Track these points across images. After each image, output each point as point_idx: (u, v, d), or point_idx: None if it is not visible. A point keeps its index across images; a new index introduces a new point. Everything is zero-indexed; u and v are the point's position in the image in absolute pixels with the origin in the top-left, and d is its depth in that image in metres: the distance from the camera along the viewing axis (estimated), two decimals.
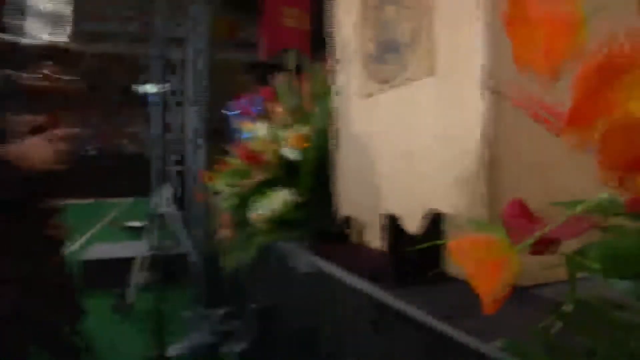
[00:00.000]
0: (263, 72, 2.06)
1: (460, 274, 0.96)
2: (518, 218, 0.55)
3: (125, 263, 3.52)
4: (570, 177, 0.91)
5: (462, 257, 0.42)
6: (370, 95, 1.30)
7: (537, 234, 0.45)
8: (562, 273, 0.87)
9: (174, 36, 4.73)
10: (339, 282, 1.10)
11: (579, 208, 0.50)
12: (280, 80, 2.09)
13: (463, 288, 0.93)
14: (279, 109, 2.08)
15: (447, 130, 1.00)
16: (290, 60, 2.05)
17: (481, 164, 0.90)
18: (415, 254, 0.94)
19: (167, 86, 4.97)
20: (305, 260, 1.34)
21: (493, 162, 0.89)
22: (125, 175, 10.22)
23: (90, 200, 9.84)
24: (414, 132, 1.11)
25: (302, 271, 1.34)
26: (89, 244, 5.61)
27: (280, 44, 3.67)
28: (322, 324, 1.22)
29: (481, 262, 0.40)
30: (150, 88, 5.52)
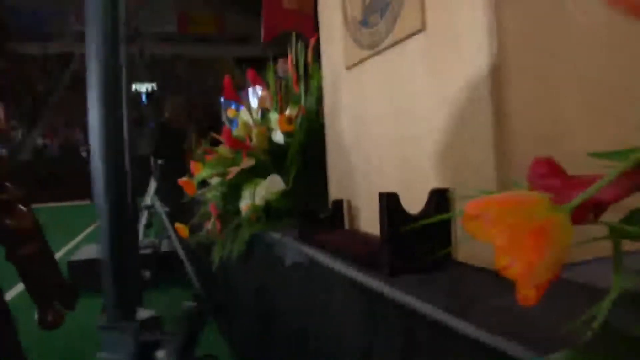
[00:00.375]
0: (253, 67, 1.94)
1: (471, 258, 0.84)
2: (549, 178, 0.43)
3: None
4: (586, 141, 0.79)
5: (485, 225, 0.29)
6: (357, 64, 1.17)
7: (584, 193, 0.33)
8: (592, 249, 0.75)
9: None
10: (329, 271, 0.98)
11: (632, 158, 0.37)
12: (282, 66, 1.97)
13: (473, 275, 0.82)
14: (264, 93, 1.96)
15: (445, 93, 0.87)
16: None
17: (487, 127, 0.77)
18: (417, 237, 0.82)
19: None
20: (293, 248, 1.21)
21: (500, 124, 0.76)
22: None
23: (87, 202, 9.80)
24: (409, 99, 0.98)
25: (290, 261, 1.22)
26: (84, 244, 5.54)
27: (279, 27, 3.53)
28: (312, 318, 1.10)
29: (515, 230, 0.28)
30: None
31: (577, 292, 0.66)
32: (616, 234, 0.44)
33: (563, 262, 0.29)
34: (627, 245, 0.49)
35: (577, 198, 0.31)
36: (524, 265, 0.27)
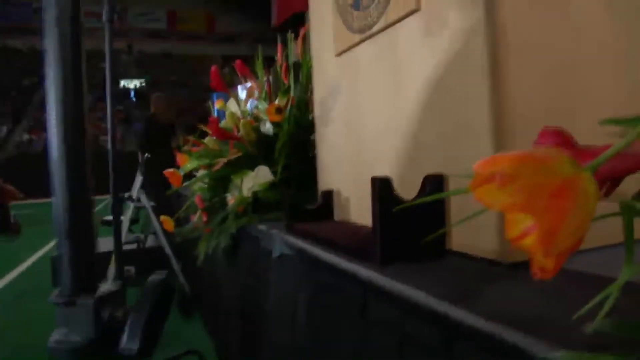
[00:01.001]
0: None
1: (466, 247, 0.81)
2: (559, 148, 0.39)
3: (102, 258, 3.35)
4: (593, 119, 0.75)
5: (499, 184, 0.26)
6: (348, 49, 1.13)
7: (606, 153, 0.29)
8: (597, 236, 0.71)
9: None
10: (318, 262, 0.94)
11: None
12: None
13: (468, 264, 0.78)
14: (253, 83, 1.92)
15: (441, 76, 0.84)
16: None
17: (485, 114, 0.74)
18: (410, 225, 0.79)
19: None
20: (280, 239, 1.17)
21: (499, 108, 0.73)
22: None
23: None
24: (403, 83, 0.95)
25: (277, 253, 1.18)
26: None
27: (290, 9, 3.48)
28: (301, 311, 1.06)
29: (535, 188, 0.24)
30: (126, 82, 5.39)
31: (580, 281, 0.62)
32: (629, 212, 0.40)
33: (587, 229, 0.25)
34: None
35: (600, 157, 0.27)
36: (545, 229, 0.23)
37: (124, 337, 0.27)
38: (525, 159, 0.25)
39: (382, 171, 1.01)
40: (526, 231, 0.28)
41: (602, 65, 0.79)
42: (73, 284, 0.29)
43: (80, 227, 0.29)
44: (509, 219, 0.29)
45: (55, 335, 0.30)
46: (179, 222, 1.94)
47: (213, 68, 1.70)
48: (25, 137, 17.34)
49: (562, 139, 0.41)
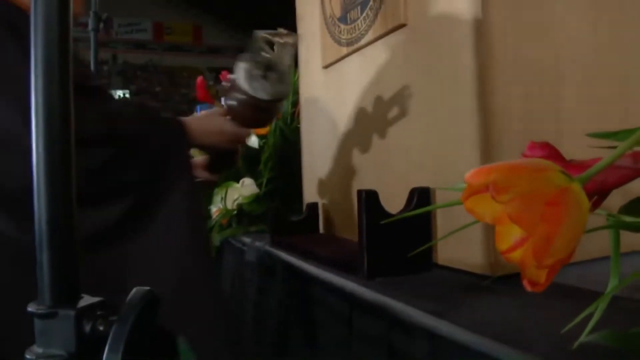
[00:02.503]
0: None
1: (452, 261, 0.80)
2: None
3: None
4: (584, 139, 0.76)
5: (491, 194, 0.25)
6: (335, 62, 1.14)
7: (597, 165, 0.29)
8: (585, 249, 0.72)
9: None
10: (303, 275, 0.93)
11: (635, 137, 0.33)
12: None
13: (454, 278, 0.78)
14: None
15: (428, 89, 0.84)
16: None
17: (473, 127, 0.74)
18: (396, 238, 0.78)
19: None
20: (264, 252, 1.16)
21: (486, 122, 0.73)
22: None
23: None
24: (389, 96, 0.95)
25: (261, 266, 1.17)
26: None
27: None
28: (286, 325, 1.05)
29: (529, 198, 0.24)
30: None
31: (565, 294, 0.63)
32: (615, 224, 0.40)
33: (579, 240, 0.25)
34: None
35: (593, 168, 0.27)
36: (540, 238, 0.23)
37: (106, 350, 0.26)
38: (519, 169, 0.25)
39: (368, 184, 1.01)
40: (516, 244, 0.28)
41: (580, 79, 0.80)
42: (53, 295, 0.27)
43: (61, 234, 0.28)
44: (499, 231, 0.29)
45: (34, 349, 0.29)
46: None
47: (199, 79, 1.69)
48: None
49: (550, 151, 0.41)
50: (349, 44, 1.06)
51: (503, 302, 0.63)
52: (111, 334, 0.30)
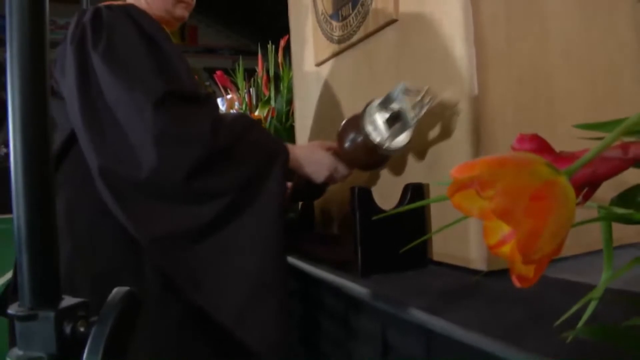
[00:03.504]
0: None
1: (446, 257, 0.80)
2: (536, 153, 0.39)
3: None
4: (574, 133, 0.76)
5: (477, 189, 0.25)
6: (328, 59, 1.13)
7: (585, 156, 0.28)
8: (576, 244, 0.71)
9: None
10: (298, 272, 0.93)
11: (625, 124, 0.32)
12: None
13: (448, 275, 0.78)
14: (233, 95, 1.91)
15: (421, 85, 0.84)
16: None
17: (465, 120, 0.74)
18: (390, 235, 0.78)
19: None
20: None
21: (480, 116, 0.73)
22: None
23: None
24: (381, 92, 0.94)
25: None
26: None
27: None
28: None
29: (515, 192, 0.23)
30: None
31: (557, 288, 0.62)
32: (607, 216, 0.40)
33: (567, 234, 0.25)
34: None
35: (579, 160, 0.26)
36: (527, 233, 0.22)
37: (85, 352, 0.26)
38: (504, 163, 0.24)
39: (362, 181, 1.01)
40: (504, 238, 0.28)
41: (569, 71, 0.79)
42: (34, 296, 0.27)
43: (41, 234, 0.28)
44: (487, 226, 0.28)
45: (14, 351, 0.28)
46: None
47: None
48: (4, 150, 17.07)
49: (538, 144, 0.40)
50: (341, 41, 1.06)
51: (497, 297, 0.62)
52: (91, 335, 0.29)
